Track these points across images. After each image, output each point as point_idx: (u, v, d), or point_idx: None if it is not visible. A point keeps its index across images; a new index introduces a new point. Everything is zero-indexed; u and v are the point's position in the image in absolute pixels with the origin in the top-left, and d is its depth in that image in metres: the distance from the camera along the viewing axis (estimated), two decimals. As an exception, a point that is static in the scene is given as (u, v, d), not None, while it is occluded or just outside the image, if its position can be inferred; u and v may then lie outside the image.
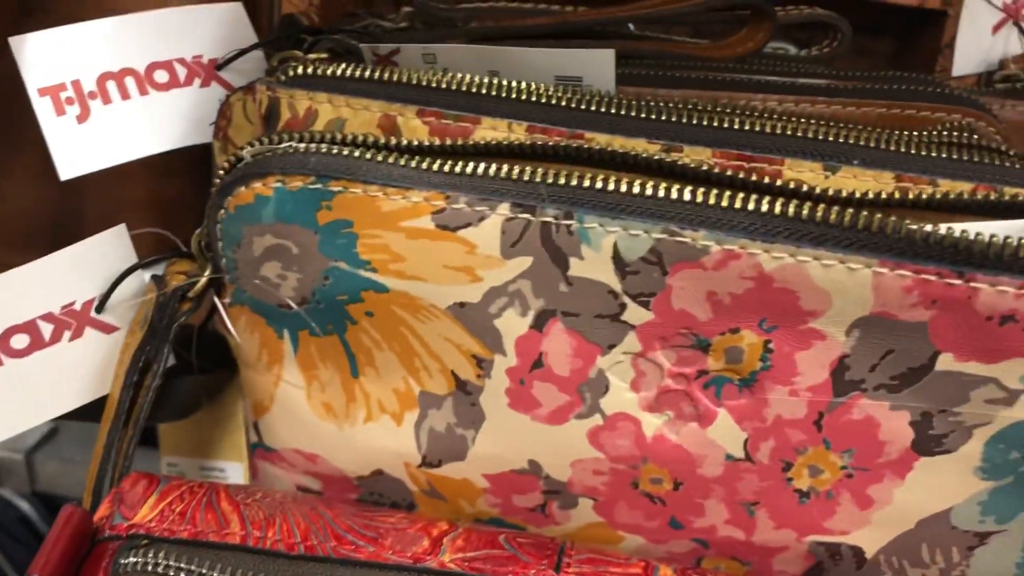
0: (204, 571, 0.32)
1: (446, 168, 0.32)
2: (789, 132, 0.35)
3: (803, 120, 0.36)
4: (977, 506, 0.34)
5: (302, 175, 0.33)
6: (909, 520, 0.35)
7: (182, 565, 0.31)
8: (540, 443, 0.36)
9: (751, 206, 0.30)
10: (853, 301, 0.30)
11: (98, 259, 0.38)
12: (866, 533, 0.35)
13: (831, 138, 0.34)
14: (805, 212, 0.30)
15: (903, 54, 0.50)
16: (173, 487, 0.34)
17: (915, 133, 0.35)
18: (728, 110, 0.36)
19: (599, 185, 0.31)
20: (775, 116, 0.36)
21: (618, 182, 0.31)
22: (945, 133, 0.35)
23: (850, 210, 0.30)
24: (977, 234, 0.29)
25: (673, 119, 0.35)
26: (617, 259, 0.32)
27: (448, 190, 0.32)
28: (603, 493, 0.37)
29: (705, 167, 0.32)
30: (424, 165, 0.33)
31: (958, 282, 0.29)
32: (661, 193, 0.31)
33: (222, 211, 0.34)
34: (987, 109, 0.37)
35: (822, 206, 0.30)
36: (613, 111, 0.35)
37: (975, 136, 0.35)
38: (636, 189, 0.31)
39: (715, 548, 0.37)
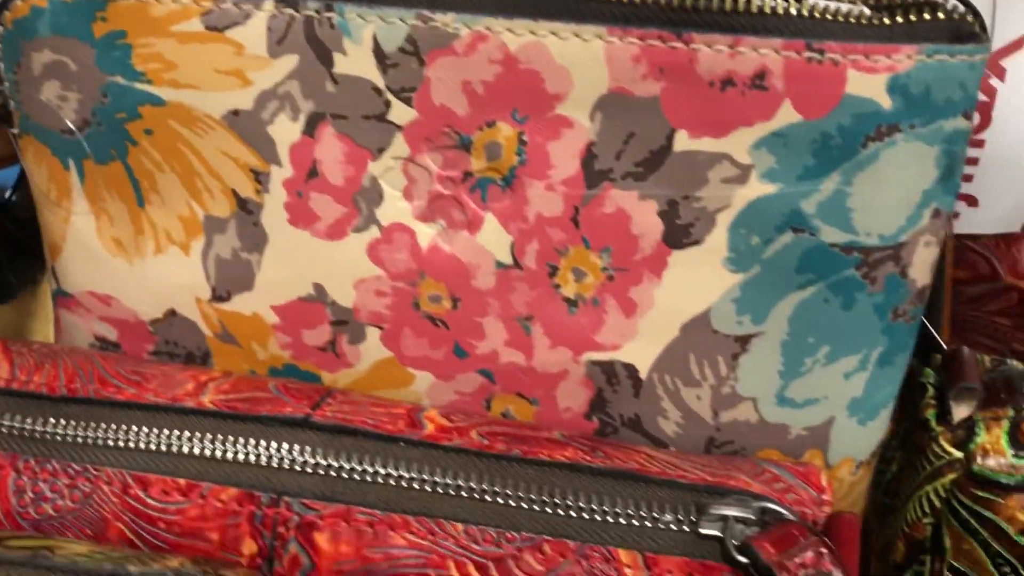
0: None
1: (216, -28, 0.34)
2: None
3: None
4: (732, 304, 0.36)
5: (77, -18, 0.34)
6: (673, 325, 0.36)
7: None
8: (322, 262, 0.37)
9: (494, -15, 0.32)
10: (591, 79, 0.33)
11: None
12: (636, 347, 0.37)
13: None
14: (541, -15, 0.32)
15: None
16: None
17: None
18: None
19: (357, -24, 0.33)
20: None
21: (374, -28, 0.33)
22: None
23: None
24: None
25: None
26: (378, 51, 0.33)
27: (217, -9, 0.34)
28: (388, 319, 0.38)
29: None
30: (195, -30, 0.34)
31: (679, 44, 0.31)
32: (414, -23, 0.33)
33: (1, 28, 0.35)
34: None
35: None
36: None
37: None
38: (391, -23, 0.33)
39: (501, 381, 0.38)
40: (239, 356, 0.40)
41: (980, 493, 0.36)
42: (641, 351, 0.37)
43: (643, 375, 0.37)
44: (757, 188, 0.34)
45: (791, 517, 0.31)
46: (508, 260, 0.36)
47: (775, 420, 0.38)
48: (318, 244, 0.37)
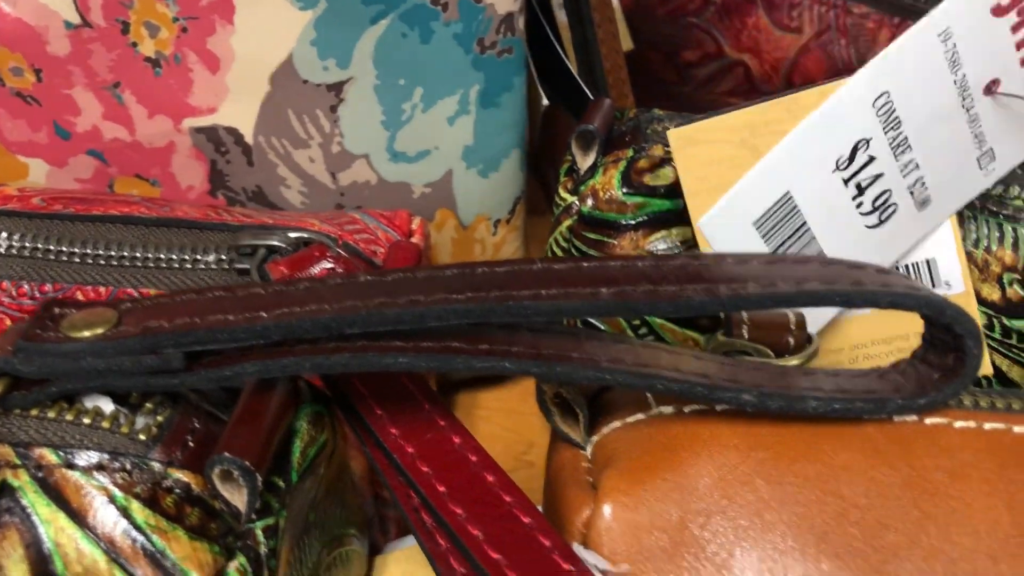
0: None
1: None
2: None
3: None
4: (312, 47, 0.34)
5: None
6: (262, 78, 0.34)
7: None
8: None
9: None
10: None
11: None
12: (233, 107, 0.35)
13: None
14: None
15: None
16: None
17: None
18: None
19: None
20: None
21: None
22: None
23: None
24: None
25: None
26: None
27: None
28: (-18, 103, 0.36)
29: None
30: None
31: None
32: None
33: None
34: None
35: None
36: None
37: None
38: None
39: (114, 162, 0.36)
40: None
41: (592, 235, 0.34)
42: (239, 111, 0.35)
43: (250, 140, 0.35)
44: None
45: (322, 242, 0.29)
46: (76, 19, 0.34)
47: (394, 178, 0.36)
48: None
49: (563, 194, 0.35)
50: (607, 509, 0.22)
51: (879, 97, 0.26)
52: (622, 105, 0.41)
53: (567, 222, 0.35)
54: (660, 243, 0.34)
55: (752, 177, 0.27)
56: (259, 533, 0.21)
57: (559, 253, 0.35)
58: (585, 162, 0.35)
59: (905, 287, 0.22)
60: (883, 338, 0.30)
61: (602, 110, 0.36)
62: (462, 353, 0.22)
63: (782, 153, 0.26)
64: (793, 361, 0.25)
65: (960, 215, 0.32)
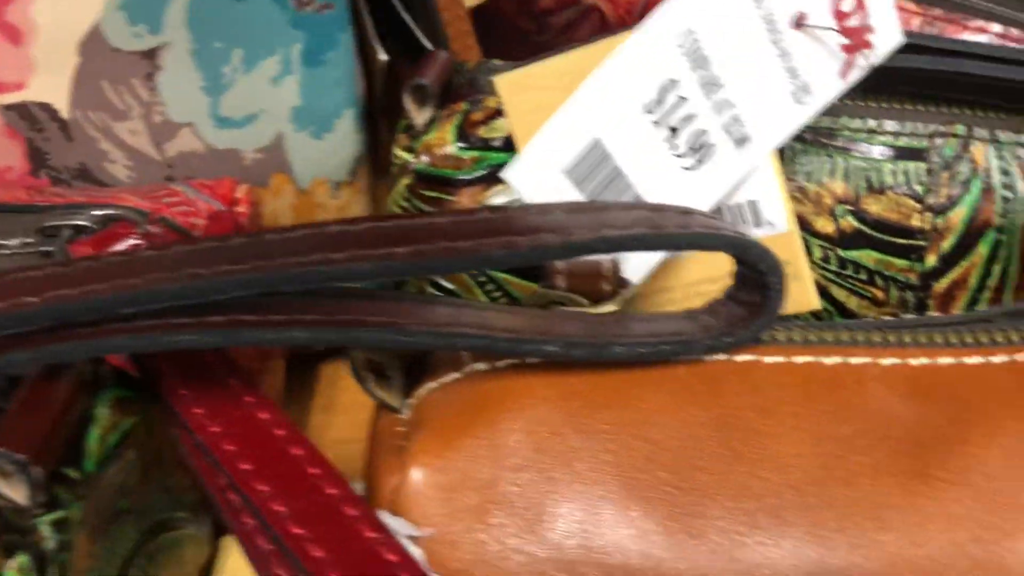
0: None
1: None
2: None
3: None
4: (121, 13, 0.32)
5: None
6: (70, 49, 0.32)
7: None
8: None
9: None
10: None
11: None
12: (43, 81, 0.33)
13: None
14: None
15: None
16: None
17: None
18: None
19: None
20: None
21: None
22: None
23: None
24: None
25: None
26: None
27: None
28: None
29: None
30: None
31: None
32: None
33: None
34: None
35: None
36: None
37: None
38: None
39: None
40: None
41: (430, 193, 0.33)
42: (50, 85, 0.33)
43: (66, 115, 0.34)
44: None
45: (127, 219, 0.28)
46: None
47: (223, 145, 0.35)
48: None
49: (398, 152, 0.34)
50: (414, 474, 0.22)
51: (682, 35, 0.25)
52: (467, 58, 0.40)
53: (404, 181, 0.34)
54: (499, 197, 0.33)
55: (553, 126, 0.26)
56: (45, 528, 0.20)
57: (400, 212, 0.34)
58: (420, 118, 0.34)
59: (704, 227, 0.22)
60: (711, 277, 0.29)
61: (437, 63, 0.35)
62: (248, 326, 0.21)
63: (583, 100, 0.26)
64: (608, 307, 0.25)
65: (791, 149, 0.32)
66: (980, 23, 0.44)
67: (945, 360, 0.23)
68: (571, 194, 0.26)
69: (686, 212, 0.23)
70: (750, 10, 0.26)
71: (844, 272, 0.32)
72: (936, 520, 0.22)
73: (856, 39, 0.27)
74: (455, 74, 0.36)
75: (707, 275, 0.29)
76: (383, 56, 0.38)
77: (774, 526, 0.22)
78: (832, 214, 0.32)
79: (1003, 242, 0.32)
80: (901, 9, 0.45)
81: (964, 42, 0.34)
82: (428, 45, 0.38)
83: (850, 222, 0.32)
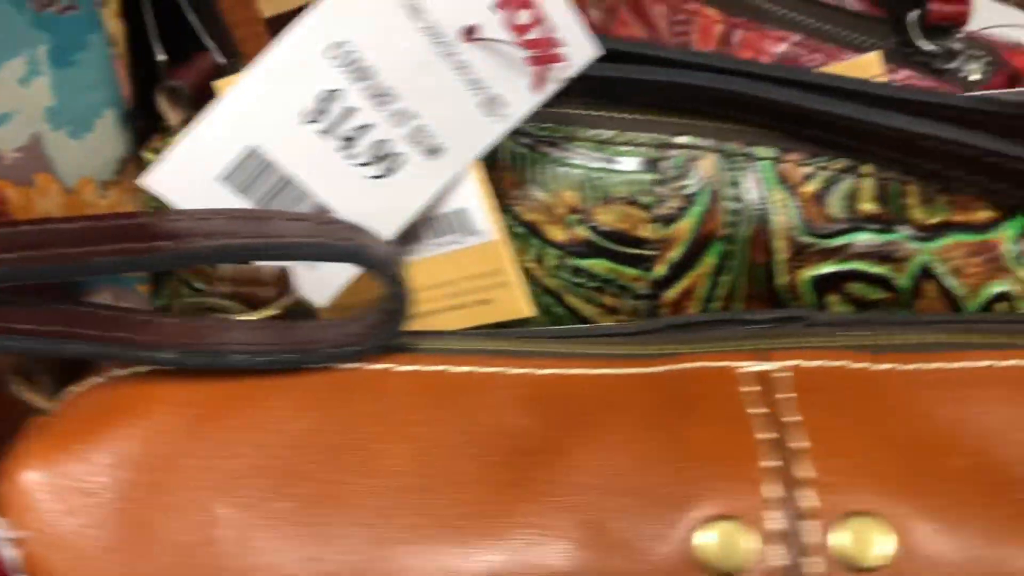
0: None
1: None
2: None
3: None
4: None
5: None
6: None
7: None
8: None
9: None
10: None
11: None
12: None
13: None
14: None
15: None
16: None
17: None
18: None
19: None
20: None
21: None
22: None
23: None
24: None
25: None
26: None
27: None
28: None
29: None
30: None
31: None
32: None
33: None
34: None
35: None
36: None
37: None
38: None
39: None
40: None
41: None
42: None
43: None
44: None
45: None
46: None
47: (-18, 145, 0.35)
48: None
49: (146, 153, 0.34)
50: (18, 475, 0.22)
51: (331, 48, 0.26)
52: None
53: (154, 182, 0.34)
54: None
55: (196, 133, 0.26)
56: None
57: (152, 214, 0.35)
58: (175, 119, 0.35)
59: (320, 239, 0.23)
60: (434, 283, 0.30)
61: (201, 66, 0.36)
62: None
63: (228, 109, 0.26)
64: (267, 313, 0.25)
65: (521, 158, 0.32)
66: (781, 32, 0.44)
67: (575, 371, 0.24)
68: (236, 201, 0.26)
69: (331, 222, 0.23)
70: (406, 24, 0.26)
71: (577, 280, 0.33)
72: (535, 526, 0.22)
73: (542, 52, 0.27)
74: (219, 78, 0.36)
75: (427, 281, 0.30)
76: (161, 57, 0.38)
77: (381, 531, 0.22)
78: (564, 223, 0.32)
79: (731, 252, 0.32)
80: (703, 16, 0.46)
81: (690, 52, 0.34)
82: (211, 46, 0.38)
83: (582, 231, 0.32)
